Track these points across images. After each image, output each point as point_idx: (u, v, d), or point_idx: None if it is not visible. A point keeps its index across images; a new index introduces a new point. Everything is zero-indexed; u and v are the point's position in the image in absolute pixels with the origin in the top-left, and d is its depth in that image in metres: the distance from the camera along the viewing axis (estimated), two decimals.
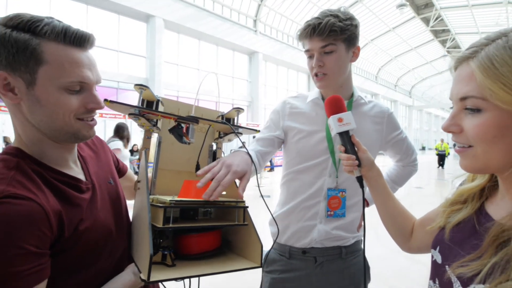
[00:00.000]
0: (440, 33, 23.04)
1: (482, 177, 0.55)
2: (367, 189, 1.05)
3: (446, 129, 0.49)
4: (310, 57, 0.98)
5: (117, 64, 10.71)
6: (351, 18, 0.95)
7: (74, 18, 9.10)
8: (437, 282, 0.55)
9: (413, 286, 2.69)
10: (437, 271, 0.55)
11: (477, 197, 0.55)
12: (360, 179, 0.73)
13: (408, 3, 17.11)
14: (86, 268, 0.61)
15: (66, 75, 0.55)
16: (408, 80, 31.09)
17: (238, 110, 0.83)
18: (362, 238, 1.13)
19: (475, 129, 0.44)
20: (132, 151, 9.18)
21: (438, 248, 0.57)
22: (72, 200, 0.59)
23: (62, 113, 0.58)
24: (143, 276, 0.57)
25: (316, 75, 0.98)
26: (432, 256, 0.59)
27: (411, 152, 1.15)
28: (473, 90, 0.43)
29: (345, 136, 0.73)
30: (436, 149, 15.36)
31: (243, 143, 0.83)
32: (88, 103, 0.60)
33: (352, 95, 1.06)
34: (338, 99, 0.76)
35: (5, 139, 7.45)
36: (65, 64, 0.55)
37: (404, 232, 0.72)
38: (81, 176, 0.66)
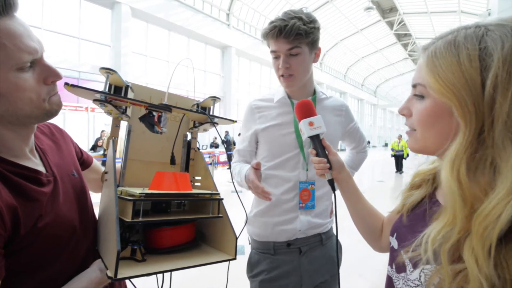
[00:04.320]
0: (403, 37, 24.51)
1: (438, 162, 0.58)
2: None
3: (400, 111, 0.54)
4: (276, 57, 1.01)
5: (78, 53, 9.94)
6: (313, 21, 0.98)
7: (29, 1, 8.25)
8: (393, 266, 0.56)
9: (374, 272, 2.87)
10: (393, 256, 0.57)
11: (431, 181, 0.58)
12: (331, 182, 0.74)
13: (374, 6, 17.96)
14: (47, 266, 0.56)
15: (14, 56, 0.48)
16: (373, 80, 32.73)
17: (214, 99, 0.80)
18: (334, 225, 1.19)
19: (417, 114, 0.49)
20: (95, 146, 8.60)
21: (395, 234, 0.59)
22: (30, 194, 0.53)
23: (28, 98, 0.51)
24: (110, 273, 0.54)
25: (282, 75, 1.01)
26: (390, 243, 0.61)
27: (363, 140, 1.27)
28: (421, 78, 0.47)
29: (316, 140, 0.75)
30: (392, 149, 11.38)
31: (218, 132, 0.80)
32: (46, 77, 0.54)
33: (314, 92, 1.12)
34: (308, 104, 0.77)
35: None
36: (6, 42, 0.47)
37: (374, 231, 0.74)
38: (41, 168, 0.60)
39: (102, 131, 8.62)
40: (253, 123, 1.12)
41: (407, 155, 11.41)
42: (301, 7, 1.02)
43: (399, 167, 10.99)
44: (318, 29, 0.99)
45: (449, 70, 0.42)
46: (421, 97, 0.48)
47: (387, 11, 20.83)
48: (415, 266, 0.49)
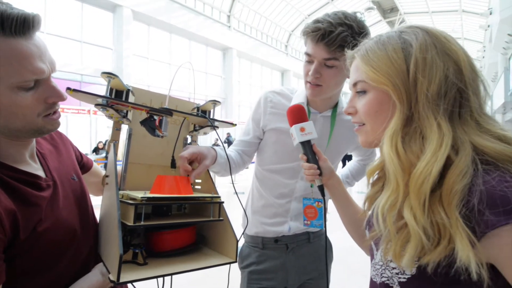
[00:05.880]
0: None
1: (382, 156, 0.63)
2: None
3: (346, 111, 0.58)
4: (309, 62, 0.90)
5: (81, 56, 10.01)
6: (364, 34, 0.85)
7: (31, 5, 8.31)
8: (371, 258, 0.59)
9: None
10: (369, 247, 0.61)
11: (383, 174, 0.61)
12: (321, 188, 0.74)
13: (375, 6, 17.95)
14: (48, 270, 0.56)
15: (17, 74, 0.48)
16: None
17: (215, 102, 0.80)
18: (326, 225, 1.17)
19: (363, 107, 0.54)
20: (97, 149, 8.63)
21: (367, 227, 0.63)
22: (29, 199, 0.54)
23: (22, 114, 0.51)
24: (112, 277, 0.54)
25: (309, 82, 0.91)
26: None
27: (373, 155, 1.24)
28: (359, 75, 0.54)
29: (307, 146, 0.74)
30: None
31: (219, 136, 0.81)
32: (48, 97, 0.54)
33: (336, 104, 1.03)
34: (300, 109, 0.76)
35: None
36: (13, 61, 0.47)
37: (365, 235, 0.73)
38: (40, 173, 0.60)
39: (99, 142, 8.68)
40: (262, 116, 1.04)
41: None
42: (355, 12, 0.88)
43: None
44: None
45: (382, 62, 0.50)
46: (363, 92, 0.54)
47: (388, 11, 20.80)
48: (377, 248, 0.54)
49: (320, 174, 0.73)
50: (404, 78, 0.48)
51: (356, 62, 0.55)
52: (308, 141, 0.74)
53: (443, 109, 0.45)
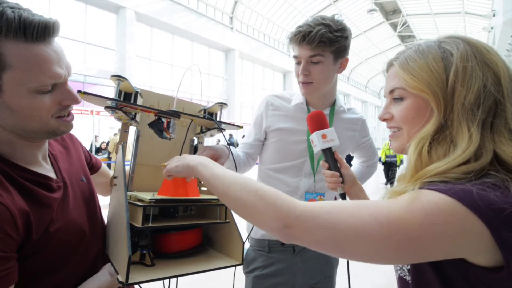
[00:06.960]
0: (407, 38, 24.42)
1: None
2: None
3: (381, 117, 0.59)
4: (298, 63, 0.99)
5: (84, 57, 10.07)
6: (342, 29, 0.95)
7: (36, 6, 8.38)
8: None
9: (381, 276, 2.85)
10: None
11: None
12: (343, 196, 0.73)
13: (377, 8, 17.94)
14: (58, 271, 0.57)
15: (36, 79, 0.50)
16: (377, 82, 32.61)
17: (221, 105, 0.81)
18: None
19: (400, 113, 0.55)
20: (99, 149, 8.66)
21: None
22: (41, 200, 0.55)
23: (39, 115, 0.53)
24: (121, 278, 0.55)
25: (302, 82, 0.99)
26: None
27: (374, 155, 1.26)
28: (397, 83, 0.55)
29: (328, 153, 0.73)
30: (384, 155, 8.48)
31: (225, 138, 0.81)
32: (63, 100, 0.55)
33: (334, 102, 1.09)
34: (321, 115, 0.75)
35: None
36: (33, 67, 0.49)
37: None
38: (52, 174, 0.61)
39: (102, 142, 8.74)
40: (264, 119, 1.09)
41: (401, 162, 9.00)
42: (334, 14, 1.00)
43: (389, 178, 7.82)
44: (345, 38, 0.95)
45: (422, 70, 0.51)
46: (400, 99, 0.55)
47: (391, 13, 20.79)
48: None
49: (342, 182, 0.72)
50: (443, 86, 0.49)
51: (394, 70, 0.57)
52: (330, 148, 0.73)
53: (477, 118, 0.46)
